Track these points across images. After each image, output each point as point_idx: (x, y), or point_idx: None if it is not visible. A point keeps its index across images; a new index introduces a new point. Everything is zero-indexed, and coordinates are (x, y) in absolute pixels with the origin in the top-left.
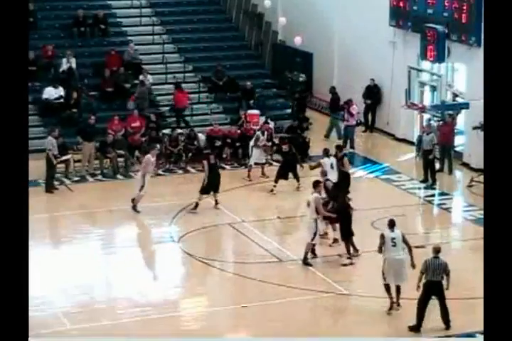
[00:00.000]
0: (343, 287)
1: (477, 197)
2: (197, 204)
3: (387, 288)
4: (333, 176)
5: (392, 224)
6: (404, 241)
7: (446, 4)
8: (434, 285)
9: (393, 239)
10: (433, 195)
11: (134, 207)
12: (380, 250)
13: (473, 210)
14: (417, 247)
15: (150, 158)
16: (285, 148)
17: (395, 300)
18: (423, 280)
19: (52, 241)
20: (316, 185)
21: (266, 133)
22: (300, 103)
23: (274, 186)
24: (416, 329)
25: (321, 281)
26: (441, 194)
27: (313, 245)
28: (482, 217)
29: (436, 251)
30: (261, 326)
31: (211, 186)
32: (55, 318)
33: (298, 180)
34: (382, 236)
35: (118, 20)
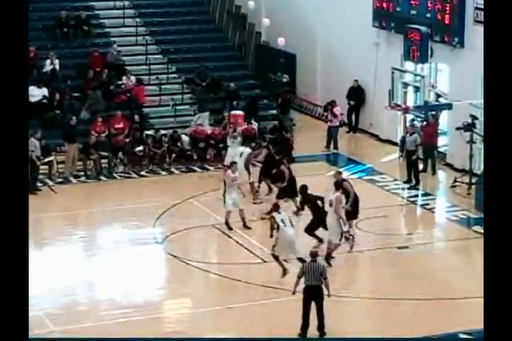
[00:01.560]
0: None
1: (460, 197)
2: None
3: (277, 257)
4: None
5: (276, 208)
6: (291, 221)
7: (429, 5)
8: (313, 289)
9: (282, 220)
10: (416, 196)
11: (227, 224)
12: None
13: (457, 211)
14: (400, 248)
15: (230, 173)
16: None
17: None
18: (302, 285)
19: (35, 243)
20: (337, 185)
21: (238, 128)
22: (251, 105)
23: (258, 186)
24: (302, 335)
25: None
26: (425, 194)
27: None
28: (465, 217)
29: (314, 255)
30: (245, 327)
31: (289, 191)
32: (38, 320)
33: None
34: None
35: (101, 21)
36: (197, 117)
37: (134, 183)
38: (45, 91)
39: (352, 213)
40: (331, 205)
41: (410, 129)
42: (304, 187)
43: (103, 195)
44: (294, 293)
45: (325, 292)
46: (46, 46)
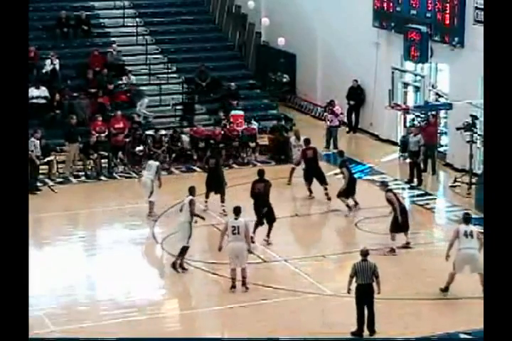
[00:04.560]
0: (328, 288)
1: (460, 197)
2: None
3: (452, 276)
4: None
5: (467, 220)
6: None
7: (429, 5)
8: (366, 288)
9: (467, 232)
10: (416, 196)
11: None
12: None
13: (457, 210)
14: (400, 248)
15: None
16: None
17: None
18: (354, 284)
19: (35, 243)
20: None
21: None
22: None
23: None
24: (358, 334)
25: (306, 282)
26: (425, 194)
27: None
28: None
29: (364, 254)
30: (246, 327)
31: (350, 190)
32: (38, 320)
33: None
34: (457, 231)
35: (101, 21)
36: (139, 105)
37: (134, 183)
38: (43, 91)
39: (402, 225)
40: None
41: (414, 130)
42: None
43: (103, 194)
44: (349, 291)
45: (376, 290)
46: (46, 46)
